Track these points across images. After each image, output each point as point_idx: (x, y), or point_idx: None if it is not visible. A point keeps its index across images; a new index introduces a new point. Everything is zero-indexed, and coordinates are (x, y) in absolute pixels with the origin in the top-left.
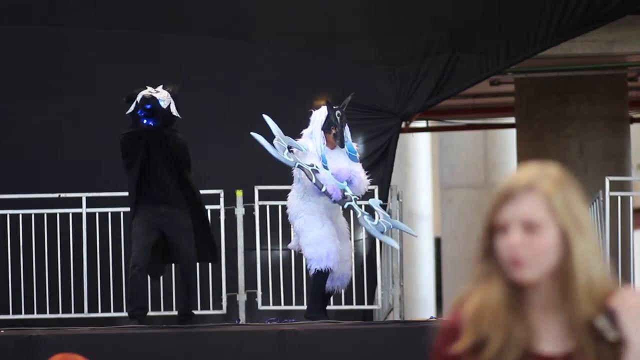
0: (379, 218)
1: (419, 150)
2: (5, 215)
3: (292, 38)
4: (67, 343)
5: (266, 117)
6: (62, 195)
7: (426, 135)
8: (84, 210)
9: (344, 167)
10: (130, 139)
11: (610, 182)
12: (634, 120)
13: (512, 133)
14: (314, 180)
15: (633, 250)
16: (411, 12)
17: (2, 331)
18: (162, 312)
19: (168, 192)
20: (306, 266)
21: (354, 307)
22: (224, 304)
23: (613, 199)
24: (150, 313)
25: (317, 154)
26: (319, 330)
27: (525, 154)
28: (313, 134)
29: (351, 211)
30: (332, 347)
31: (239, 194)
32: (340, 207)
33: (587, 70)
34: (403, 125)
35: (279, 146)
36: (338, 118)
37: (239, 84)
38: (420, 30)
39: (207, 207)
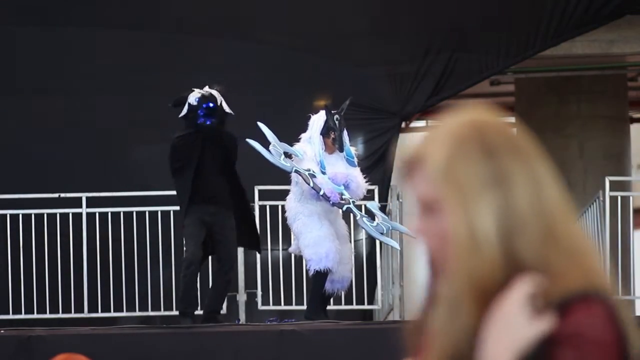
0: (378, 220)
1: None
2: (5, 215)
3: (292, 38)
4: (67, 343)
5: (261, 125)
6: (62, 195)
7: None
8: (84, 210)
9: (341, 171)
10: (186, 142)
11: (610, 182)
12: (634, 120)
13: None
14: (311, 185)
15: (633, 250)
16: (411, 12)
17: (2, 331)
18: (162, 312)
19: (217, 191)
20: (306, 266)
21: (354, 307)
22: (224, 303)
23: (613, 199)
24: (150, 313)
25: (315, 159)
26: (319, 330)
27: None
28: (312, 139)
29: (350, 213)
30: (332, 347)
31: None
32: (339, 210)
33: (587, 70)
34: (403, 125)
35: (275, 152)
36: (337, 122)
37: (239, 84)
38: (420, 30)
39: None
